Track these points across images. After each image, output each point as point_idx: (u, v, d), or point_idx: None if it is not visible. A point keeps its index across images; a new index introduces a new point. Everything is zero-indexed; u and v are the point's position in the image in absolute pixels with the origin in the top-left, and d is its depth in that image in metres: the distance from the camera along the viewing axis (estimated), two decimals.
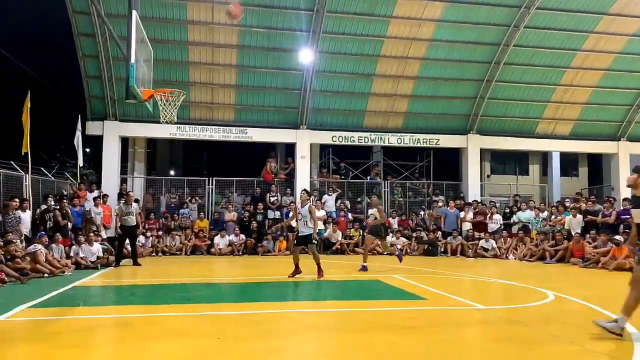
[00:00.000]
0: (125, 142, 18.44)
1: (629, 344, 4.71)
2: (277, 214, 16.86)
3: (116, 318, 6.12)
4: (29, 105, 12.91)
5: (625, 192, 18.70)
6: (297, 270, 9.61)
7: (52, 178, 16.93)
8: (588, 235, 13.54)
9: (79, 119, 16.12)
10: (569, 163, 25.15)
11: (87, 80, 16.78)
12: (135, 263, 12.09)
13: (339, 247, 15.99)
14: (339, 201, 17.77)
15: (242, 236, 15.77)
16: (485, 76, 18.13)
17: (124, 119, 17.26)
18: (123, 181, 17.67)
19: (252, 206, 16.88)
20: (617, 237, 12.17)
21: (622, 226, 13.10)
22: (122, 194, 14.61)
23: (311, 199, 11.24)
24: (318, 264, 9.49)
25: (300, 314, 6.61)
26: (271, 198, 17.08)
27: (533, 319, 5.98)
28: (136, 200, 14.29)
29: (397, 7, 16.18)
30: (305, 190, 10.40)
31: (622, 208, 13.94)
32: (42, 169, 16.75)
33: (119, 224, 12.33)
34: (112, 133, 17.08)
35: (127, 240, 12.46)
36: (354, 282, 9.81)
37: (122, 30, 8.76)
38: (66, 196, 14.24)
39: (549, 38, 17.49)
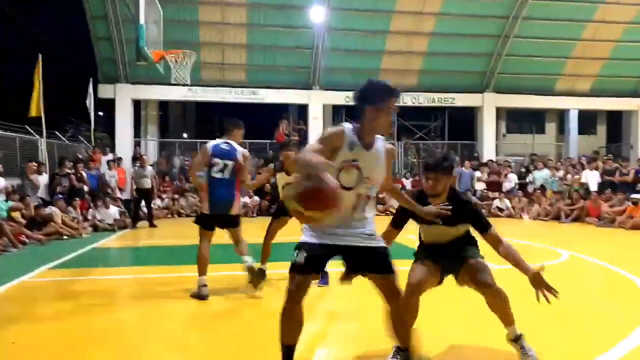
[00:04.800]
0: (137, 104, 18.38)
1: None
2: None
3: (135, 278, 6.25)
4: (41, 69, 12.84)
5: None
6: None
7: (67, 142, 17.04)
8: (604, 195, 13.37)
9: (91, 82, 16.04)
10: (587, 121, 24.55)
11: (97, 43, 16.61)
12: (152, 225, 12.32)
13: None
14: None
15: (256, 198, 15.85)
16: (502, 32, 17.54)
17: (136, 81, 17.13)
18: (136, 144, 17.72)
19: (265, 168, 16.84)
20: (635, 195, 12.00)
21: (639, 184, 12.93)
22: (136, 157, 14.69)
23: None
24: None
25: None
26: None
27: (549, 278, 5.96)
28: (151, 165, 14.37)
29: None
30: None
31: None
32: (57, 132, 16.83)
33: (134, 187, 12.58)
34: (124, 96, 17.03)
35: (143, 203, 12.65)
36: None
37: None
38: (82, 160, 14.35)
39: None
